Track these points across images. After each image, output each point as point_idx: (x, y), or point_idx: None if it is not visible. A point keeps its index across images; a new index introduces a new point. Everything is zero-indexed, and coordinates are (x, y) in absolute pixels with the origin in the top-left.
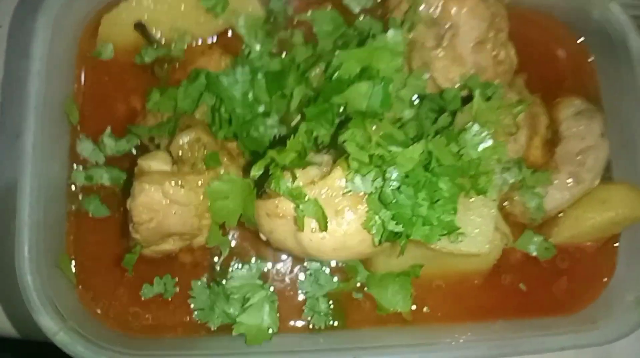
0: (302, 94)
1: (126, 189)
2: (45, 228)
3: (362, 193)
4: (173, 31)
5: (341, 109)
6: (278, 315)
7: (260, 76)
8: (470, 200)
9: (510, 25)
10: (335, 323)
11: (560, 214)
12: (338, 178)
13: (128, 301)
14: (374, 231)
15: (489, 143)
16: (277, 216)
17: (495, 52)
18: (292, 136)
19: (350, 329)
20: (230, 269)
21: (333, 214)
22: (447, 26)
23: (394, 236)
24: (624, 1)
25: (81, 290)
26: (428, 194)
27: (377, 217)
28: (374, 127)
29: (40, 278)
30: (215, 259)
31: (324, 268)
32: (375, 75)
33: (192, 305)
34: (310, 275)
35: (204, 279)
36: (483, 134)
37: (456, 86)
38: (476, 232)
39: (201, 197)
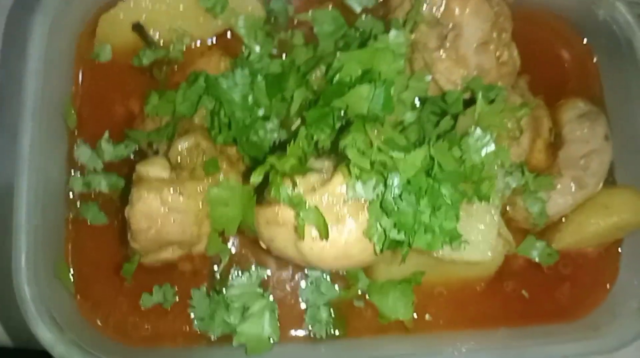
0: (302, 97)
1: (124, 196)
2: (42, 237)
3: (363, 200)
4: (172, 32)
5: (342, 113)
6: (279, 324)
7: (260, 78)
8: (473, 207)
9: (513, 25)
10: (337, 332)
11: (562, 220)
12: (339, 185)
13: (127, 311)
14: (375, 239)
15: (492, 147)
16: (277, 224)
17: (498, 53)
18: (292, 141)
19: (352, 338)
20: (230, 277)
21: (334, 222)
22: (450, 27)
23: (395, 245)
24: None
25: (79, 299)
26: (430, 201)
27: (378, 225)
28: (375, 132)
29: (37, 288)
30: (215, 267)
31: (325, 275)
32: (376, 77)
33: (192, 315)
34: (311, 282)
35: (204, 288)
36: (486, 139)
37: (458, 88)
38: (479, 239)
39: (200, 204)
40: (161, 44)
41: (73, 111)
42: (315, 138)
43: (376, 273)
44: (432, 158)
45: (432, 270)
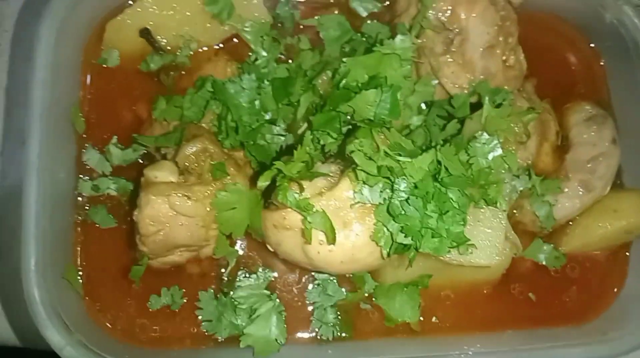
0: (309, 101)
1: (133, 200)
2: (51, 239)
3: (370, 205)
4: (179, 38)
5: (348, 117)
6: (286, 326)
7: (266, 83)
8: (480, 211)
9: (519, 28)
10: (343, 334)
11: (570, 223)
12: (346, 189)
13: (135, 313)
14: (382, 244)
15: (499, 151)
16: (284, 228)
17: (505, 57)
18: (299, 145)
19: (359, 340)
20: (237, 279)
21: (341, 226)
22: (456, 31)
23: (402, 249)
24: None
25: (88, 301)
26: (437, 205)
27: (385, 229)
28: (382, 136)
29: (46, 290)
30: (223, 270)
31: (332, 277)
32: (383, 82)
33: (199, 317)
34: (319, 285)
35: (212, 290)
36: (493, 143)
37: (465, 92)
38: (486, 244)
39: (208, 208)
40: (168, 50)
41: (81, 116)
42: (321, 142)
43: (383, 275)
44: (439, 162)
45: (439, 273)
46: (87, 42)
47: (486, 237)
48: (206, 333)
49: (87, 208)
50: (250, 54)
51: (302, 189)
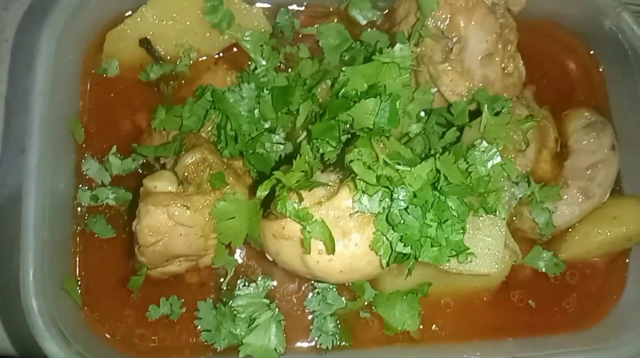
0: (308, 110)
1: (132, 210)
2: (50, 249)
3: (369, 214)
4: (178, 47)
5: (348, 126)
6: (285, 335)
7: (266, 92)
8: (479, 219)
9: (519, 35)
10: (343, 343)
11: (569, 230)
12: (345, 199)
13: (134, 323)
14: (381, 253)
15: (498, 159)
16: (283, 237)
17: (503, 65)
18: (298, 155)
19: (358, 349)
20: (236, 287)
21: (340, 235)
22: (455, 39)
23: (402, 258)
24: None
25: (87, 311)
26: (436, 214)
27: (384, 238)
28: (381, 145)
29: (45, 301)
30: (222, 279)
31: (331, 286)
32: (382, 91)
33: (198, 326)
34: (318, 293)
35: (211, 299)
36: (492, 151)
37: (464, 100)
38: (485, 252)
39: (207, 218)
40: (168, 59)
41: (81, 126)
42: (321, 151)
43: (382, 284)
44: (438, 171)
45: (438, 281)
46: (87, 52)
47: (485, 245)
48: (205, 343)
49: (86, 218)
50: (249, 63)
51: (301, 199)
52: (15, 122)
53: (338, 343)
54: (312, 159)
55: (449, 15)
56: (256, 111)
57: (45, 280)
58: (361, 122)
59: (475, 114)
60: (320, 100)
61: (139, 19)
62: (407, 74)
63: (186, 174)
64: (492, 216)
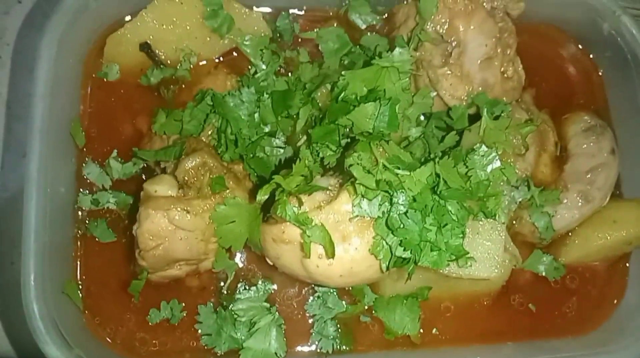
0: (308, 114)
1: (133, 214)
2: (51, 253)
3: (369, 218)
4: (178, 51)
5: (347, 130)
6: (285, 339)
7: (266, 96)
8: (479, 223)
9: (518, 39)
10: (344, 347)
11: (569, 234)
12: (345, 203)
13: (135, 327)
14: (381, 257)
15: (498, 164)
16: (283, 241)
17: (503, 69)
18: (298, 159)
19: (359, 353)
20: (237, 291)
21: (340, 239)
22: (454, 43)
23: (402, 262)
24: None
25: (88, 315)
26: (436, 218)
27: (384, 242)
28: (381, 149)
29: (46, 305)
30: (222, 283)
31: (332, 290)
32: (381, 95)
33: (199, 330)
34: (319, 297)
35: (211, 303)
36: (491, 155)
37: (463, 104)
38: (485, 256)
39: (207, 222)
40: (168, 63)
41: (81, 130)
42: (321, 154)
43: (382, 288)
44: (437, 175)
45: (438, 285)
46: (88, 56)
47: (485, 250)
48: (205, 347)
49: (87, 221)
50: (249, 67)
51: (301, 203)
52: (16, 125)
53: (338, 347)
54: (312, 163)
55: (448, 20)
56: (256, 115)
57: (46, 283)
58: (361, 127)
59: (475, 118)
60: (320, 104)
61: (139, 24)
62: (407, 78)
63: (186, 178)
64: (491, 220)
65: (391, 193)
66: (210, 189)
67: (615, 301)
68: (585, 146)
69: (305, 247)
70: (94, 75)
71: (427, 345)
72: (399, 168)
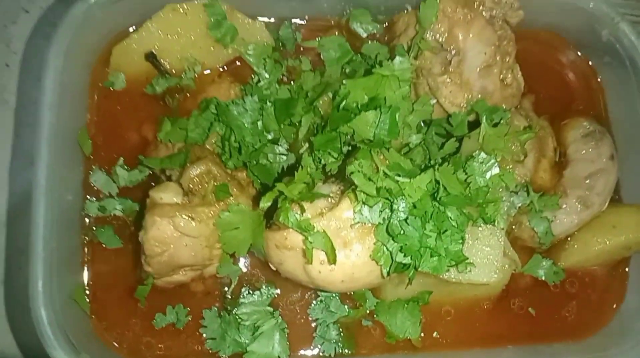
0: (310, 122)
1: (139, 220)
2: (59, 260)
3: (370, 224)
4: (183, 61)
5: (349, 138)
6: (288, 343)
7: (269, 104)
8: (479, 229)
9: (517, 46)
10: (346, 351)
11: (568, 239)
12: (346, 210)
13: (141, 331)
14: (382, 263)
15: (497, 170)
16: (286, 248)
17: (502, 76)
18: (300, 166)
19: (360, 357)
20: (241, 295)
21: (341, 246)
22: (453, 52)
23: (402, 268)
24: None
25: (95, 320)
26: (436, 224)
27: (385, 249)
28: (381, 157)
29: (53, 311)
30: (226, 288)
31: (334, 294)
32: (382, 103)
33: (203, 334)
34: (321, 301)
35: (215, 308)
36: (490, 162)
37: (463, 111)
38: (484, 262)
39: (212, 228)
40: (173, 73)
41: (88, 138)
42: (322, 162)
43: (384, 292)
44: (437, 182)
45: (439, 289)
46: (94, 65)
47: (484, 255)
48: (210, 351)
49: (94, 228)
50: (252, 76)
51: (303, 210)
52: (24, 132)
53: (340, 350)
54: (314, 170)
55: (447, 28)
56: (259, 123)
57: (54, 289)
58: (362, 134)
59: (474, 124)
60: (321, 112)
61: (144, 34)
62: (407, 86)
63: (191, 186)
64: (490, 226)
65: (392, 200)
66: (214, 196)
67: (615, 305)
68: (584, 151)
69: (307, 253)
70: (100, 84)
71: (428, 349)
72: (399, 175)
